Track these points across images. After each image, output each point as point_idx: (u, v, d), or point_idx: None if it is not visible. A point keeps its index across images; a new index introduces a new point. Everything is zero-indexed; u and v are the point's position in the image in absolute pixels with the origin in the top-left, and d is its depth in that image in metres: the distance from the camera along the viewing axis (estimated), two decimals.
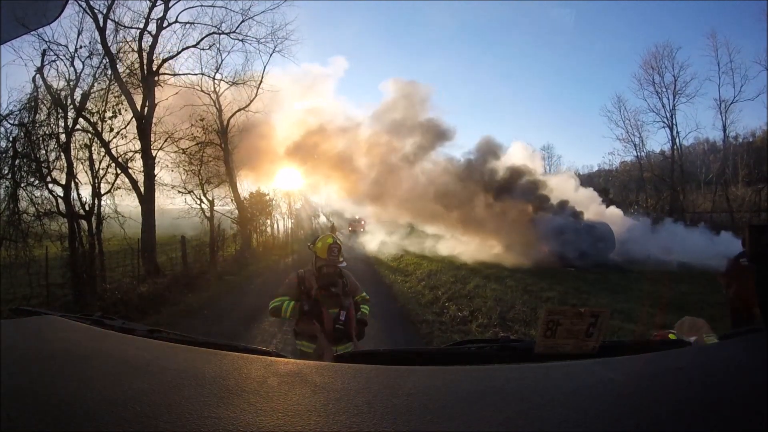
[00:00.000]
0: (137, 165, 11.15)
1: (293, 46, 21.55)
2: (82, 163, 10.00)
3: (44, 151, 9.35)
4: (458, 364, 0.86)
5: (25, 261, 8.49)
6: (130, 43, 11.20)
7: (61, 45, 9.74)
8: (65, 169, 9.44)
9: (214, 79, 13.51)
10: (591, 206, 15.70)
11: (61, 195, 9.32)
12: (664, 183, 19.82)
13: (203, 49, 12.67)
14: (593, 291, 8.62)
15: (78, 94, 10.01)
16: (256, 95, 13.97)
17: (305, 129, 16.18)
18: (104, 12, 10.37)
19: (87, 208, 9.74)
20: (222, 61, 13.90)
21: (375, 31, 52.65)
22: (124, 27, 10.98)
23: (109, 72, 10.47)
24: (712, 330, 1.80)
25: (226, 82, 13.70)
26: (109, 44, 10.48)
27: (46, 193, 9.23)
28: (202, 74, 13.20)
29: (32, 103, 9.31)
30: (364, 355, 0.95)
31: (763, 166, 18.73)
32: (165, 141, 12.06)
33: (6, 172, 8.98)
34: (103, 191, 10.15)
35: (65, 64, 9.83)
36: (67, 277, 8.82)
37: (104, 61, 10.42)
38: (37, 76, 9.49)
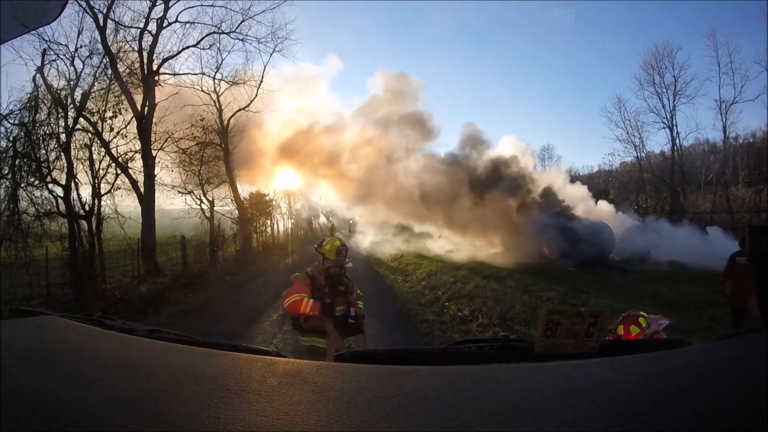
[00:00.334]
0: (137, 165, 11.18)
1: (293, 46, 21.56)
2: (82, 163, 10.02)
3: (44, 151, 9.36)
4: (458, 364, 0.86)
5: (25, 261, 8.49)
6: (130, 42, 11.23)
7: (61, 45, 9.77)
8: (65, 169, 9.45)
9: (214, 78, 13.54)
10: (579, 204, 15.59)
11: (61, 195, 9.32)
12: (664, 184, 19.83)
13: (203, 49, 12.70)
14: (593, 291, 8.62)
15: (78, 94, 10.02)
16: (256, 95, 14.00)
17: (297, 129, 16.06)
18: (104, 12, 10.39)
19: (87, 208, 9.74)
20: (222, 60, 13.92)
21: (374, 30, 52.71)
22: (124, 27, 11.00)
23: (109, 72, 10.48)
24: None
25: (227, 82, 13.72)
26: (109, 44, 10.50)
27: (46, 193, 9.24)
28: (203, 74, 13.23)
29: (32, 103, 9.32)
30: (364, 355, 0.96)
31: (763, 167, 18.73)
32: (165, 141, 12.08)
33: (6, 172, 8.99)
34: (103, 191, 10.16)
35: (65, 64, 9.86)
36: (67, 278, 8.82)
37: (104, 60, 10.44)
38: (38, 75, 9.51)
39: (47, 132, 9.43)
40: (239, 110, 14.06)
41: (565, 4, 35.01)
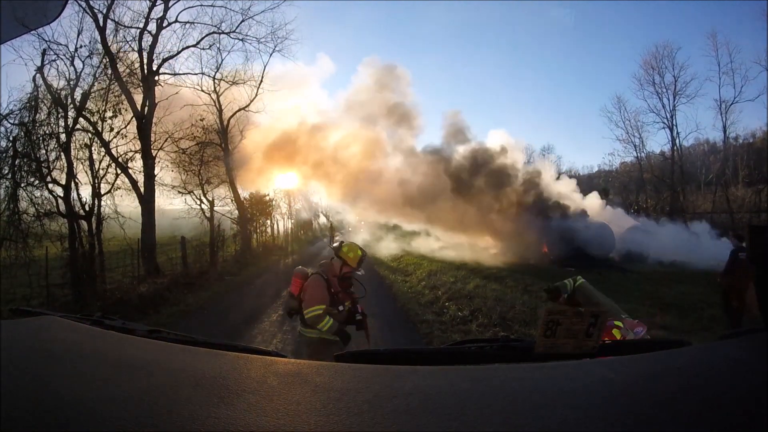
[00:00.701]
0: (137, 165, 11.19)
1: (293, 46, 21.55)
2: (82, 163, 10.03)
3: (44, 151, 9.37)
4: (458, 364, 0.86)
5: (25, 261, 8.49)
6: (129, 42, 11.23)
7: (61, 45, 9.77)
8: (65, 169, 9.46)
9: (214, 78, 13.54)
10: (567, 199, 15.53)
11: (61, 195, 9.33)
12: (664, 184, 19.82)
13: (203, 49, 12.70)
14: None
15: (78, 94, 10.03)
16: (256, 95, 13.99)
17: (287, 129, 15.94)
18: (104, 12, 10.39)
19: (87, 208, 9.74)
20: (222, 60, 13.92)
21: (374, 30, 52.79)
22: (124, 27, 11.01)
23: (109, 72, 10.48)
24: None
25: (227, 82, 13.71)
26: (109, 44, 10.50)
27: (46, 193, 9.25)
28: (203, 74, 13.23)
29: (32, 103, 9.32)
30: (364, 354, 0.95)
31: (763, 167, 18.74)
32: (165, 141, 12.08)
33: (6, 172, 8.98)
34: (103, 191, 10.16)
35: (65, 64, 9.86)
36: (67, 278, 8.82)
37: (104, 60, 10.44)
38: (37, 75, 9.52)
39: (47, 132, 9.45)
40: (239, 110, 14.06)
41: (565, 4, 35.04)
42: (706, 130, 28.90)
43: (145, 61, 11.31)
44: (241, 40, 13.02)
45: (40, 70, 9.48)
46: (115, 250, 10.58)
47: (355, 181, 15.43)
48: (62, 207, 9.29)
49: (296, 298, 3.01)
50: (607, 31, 43.28)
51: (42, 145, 9.34)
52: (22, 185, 9.04)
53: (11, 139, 9.02)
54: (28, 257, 8.59)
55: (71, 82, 9.88)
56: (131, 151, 11.01)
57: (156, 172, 11.64)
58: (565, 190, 16.11)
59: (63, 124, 9.62)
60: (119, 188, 10.61)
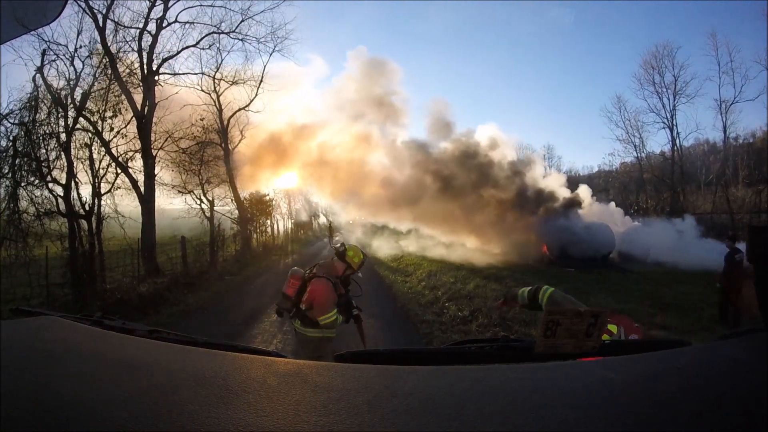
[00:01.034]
0: (137, 165, 11.19)
1: (292, 46, 21.56)
2: (82, 162, 10.03)
3: (44, 151, 9.36)
4: (458, 364, 0.86)
5: (25, 261, 8.48)
6: (129, 42, 11.23)
7: (61, 45, 9.76)
8: (65, 169, 9.45)
9: (214, 78, 13.54)
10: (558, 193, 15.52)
11: (61, 195, 9.32)
12: (664, 184, 19.83)
13: (203, 49, 12.72)
14: (593, 291, 8.62)
15: (78, 94, 10.02)
16: (256, 95, 14.00)
17: (279, 130, 15.94)
18: (104, 12, 10.39)
19: (87, 207, 9.74)
20: (222, 60, 13.93)
21: (374, 29, 52.76)
22: (124, 27, 11.01)
23: (109, 71, 10.48)
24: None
25: (226, 82, 13.71)
26: (109, 44, 10.50)
27: (46, 192, 9.24)
28: (203, 74, 13.24)
29: (32, 103, 9.31)
30: (364, 354, 0.95)
31: (764, 167, 18.73)
32: (165, 141, 12.07)
33: (6, 171, 8.98)
34: (103, 191, 10.16)
35: (65, 64, 9.85)
36: (67, 277, 8.81)
37: (104, 60, 10.44)
38: (37, 75, 9.51)
39: (47, 131, 9.44)
40: (239, 110, 14.06)
41: (565, 4, 35.08)
42: (706, 130, 28.96)
43: (144, 61, 11.33)
44: (241, 40, 13.06)
45: (40, 70, 9.48)
46: (115, 249, 10.58)
47: (348, 179, 15.46)
48: (62, 206, 9.29)
49: (290, 299, 3.03)
50: (607, 31, 43.39)
51: (42, 145, 9.34)
52: (22, 184, 9.04)
53: (11, 138, 9.02)
54: (28, 257, 8.59)
55: (71, 82, 9.89)
56: (131, 150, 11.02)
57: (156, 172, 11.66)
58: (554, 185, 16.13)
59: (63, 123, 9.63)
60: (119, 188, 10.63)
